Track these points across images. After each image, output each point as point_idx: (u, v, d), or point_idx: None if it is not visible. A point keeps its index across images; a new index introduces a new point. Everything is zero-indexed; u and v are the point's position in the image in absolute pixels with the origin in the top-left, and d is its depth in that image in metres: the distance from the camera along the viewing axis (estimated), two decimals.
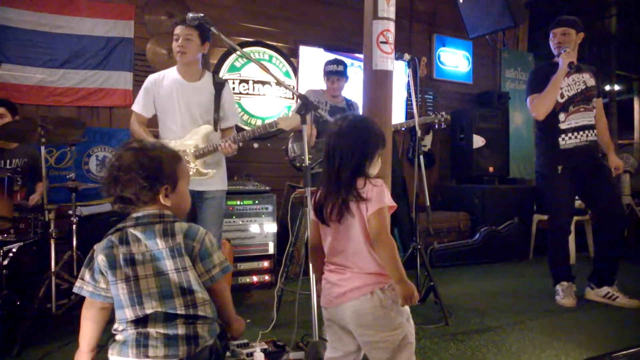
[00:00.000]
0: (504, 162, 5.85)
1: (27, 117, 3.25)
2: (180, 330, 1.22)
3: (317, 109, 2.40)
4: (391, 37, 2.61)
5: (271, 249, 3.91)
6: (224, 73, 4.77)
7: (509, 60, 6.57)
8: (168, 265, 1.23)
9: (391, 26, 2.59)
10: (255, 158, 4.94)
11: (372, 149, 1.56)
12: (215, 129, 2.90)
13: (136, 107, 2.89)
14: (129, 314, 1.23)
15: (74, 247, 3.13)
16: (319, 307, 2.25)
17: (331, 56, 4.22)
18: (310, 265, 1.70)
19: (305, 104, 2.30)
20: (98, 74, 4.24)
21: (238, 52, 2.79)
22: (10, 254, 2.93)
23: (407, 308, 1.53)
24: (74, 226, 3.14)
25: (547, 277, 3.50)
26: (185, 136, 2.82)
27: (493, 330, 2.81)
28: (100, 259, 1.24)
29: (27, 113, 3.81)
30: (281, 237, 3.95)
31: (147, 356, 1.19)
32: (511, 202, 5.34)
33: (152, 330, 1.21)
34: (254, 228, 3.86)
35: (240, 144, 2.87)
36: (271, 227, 3.92)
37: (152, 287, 1.22)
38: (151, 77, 2.90)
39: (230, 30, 4.72)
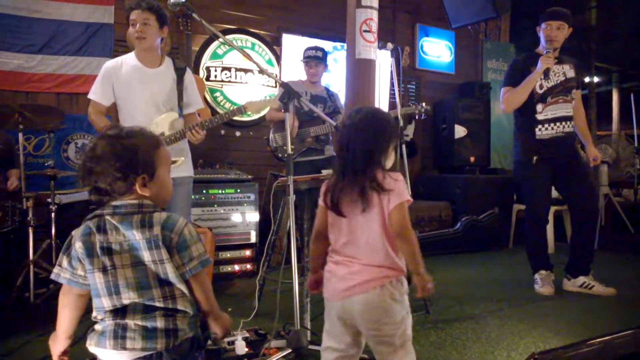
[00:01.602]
0: (485, 152, 5.92)
1: (4, 103, 3.18)
2: (159, 323, 1.19)
3: (299, 97, 2.39)
4: (374, 25, 2.61)
5: (253, 238, 3.91)
6: (205, 60, 4.72)
7: (490, 50, 6.62)
8: (146, 256, 1.20)
9: (374, 15, 2.59)
10: (237, 146, 4.92)
11: (387, 141, 1.57)
12: (180, 116, 2.83)
13: (94, 95, 2.72)
14: (106, 303, 1.21)
15: (53, 236, 3.09)
16: (300, 295, 2.27)
17: (313, 44, 4.20)
18: (310, 251, 1.67)
19: (288, 92, 2.30)
20: (77, 60, 4.16)
21: (220, 39, 2.75)
22: None
23: (407, 302, 1.55)
24: (53, 214, 3.10)
25: (527, 266, 3.56)
26: (150, 124, 2.72)
27: (473, 318, 2.86)
28: (77, 246, 1.21)
29: (4, 99, 3.71)
30: (263, 226, 3.95)
31: (125, 348, 1.17)
32: (492, 192, 5.41)
33: (130, 322, 1.19)
34: (236, 217, 3.85)
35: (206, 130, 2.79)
36: (253, 216, 3.91)
37: (129, 277, 1.20)
38: (108, 64, 2.76)
39: (213, 17, 4.66)
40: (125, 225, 1.19)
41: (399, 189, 1.49)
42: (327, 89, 3.94)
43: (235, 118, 4.87)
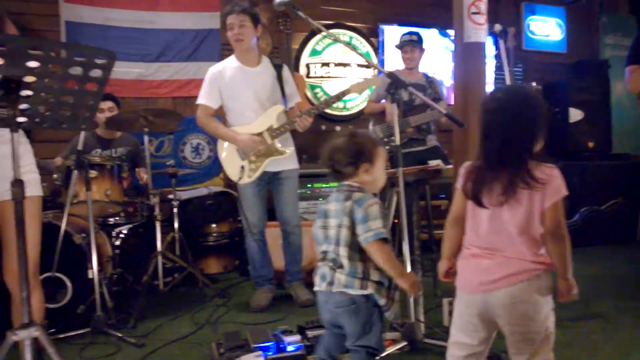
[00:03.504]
0: (605, 137, 5.40)
1: (130, 109, 3.49)
2: (326, 271, 1.61)
3: (406, 86, 2.34)
4: (483, 7, 2.48)
5: None
6: (305, 58, 4.81)
7: (608, 25, 6.02)
8: (338, 221, 1.60)
9: None
10: None
11: (537, 127, 1.40)
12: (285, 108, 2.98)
13: (203, 100, 2.95)
14: (319, 250, 1.68)
15: (176, 229, 3.34)
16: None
17: None
18: (446, 236, 1.58)
19: (395, 82, 2.26)
20: (189, 66, 4.45)
21: (324, 33, 2.80)
22: (122, 235, 3.19)
23: (551, 298, 1.44)
24: (175, 209, 3.34)
25: None
26: (257, 119, 2.89)
27: (601, 317, 2.63)
28: (317, 210, 1.73)
29: (127, 105, 4.08)
30: None
31: (314, 283, 1.66)
32: (615, 179, 4.92)
33: (321, 265, 1.65)
34: None
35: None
36: None
37: (331, 235, 1.61)
38: (213, 69, 2.98)
39: (310, 14, 4.69)
40: (336, 198, 1.65)
41: (556, 184, 1.36)
42: (426, 76, 3.84)
43: (335, 113, 4.94)
